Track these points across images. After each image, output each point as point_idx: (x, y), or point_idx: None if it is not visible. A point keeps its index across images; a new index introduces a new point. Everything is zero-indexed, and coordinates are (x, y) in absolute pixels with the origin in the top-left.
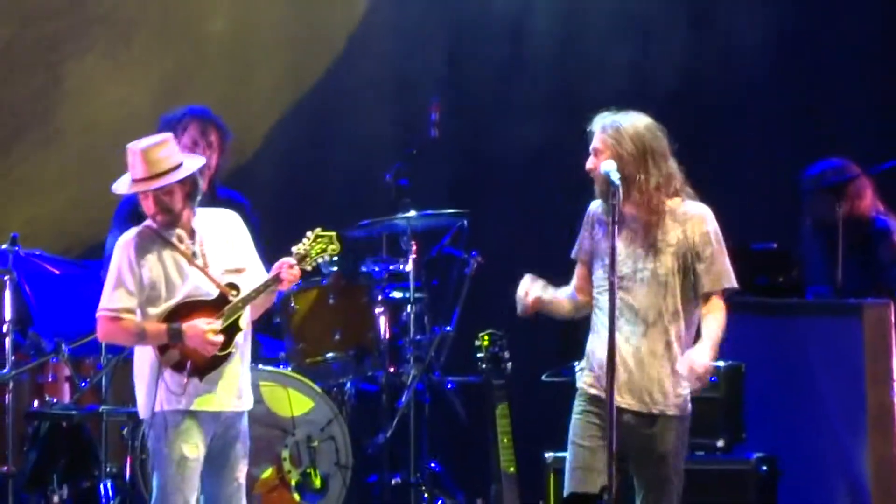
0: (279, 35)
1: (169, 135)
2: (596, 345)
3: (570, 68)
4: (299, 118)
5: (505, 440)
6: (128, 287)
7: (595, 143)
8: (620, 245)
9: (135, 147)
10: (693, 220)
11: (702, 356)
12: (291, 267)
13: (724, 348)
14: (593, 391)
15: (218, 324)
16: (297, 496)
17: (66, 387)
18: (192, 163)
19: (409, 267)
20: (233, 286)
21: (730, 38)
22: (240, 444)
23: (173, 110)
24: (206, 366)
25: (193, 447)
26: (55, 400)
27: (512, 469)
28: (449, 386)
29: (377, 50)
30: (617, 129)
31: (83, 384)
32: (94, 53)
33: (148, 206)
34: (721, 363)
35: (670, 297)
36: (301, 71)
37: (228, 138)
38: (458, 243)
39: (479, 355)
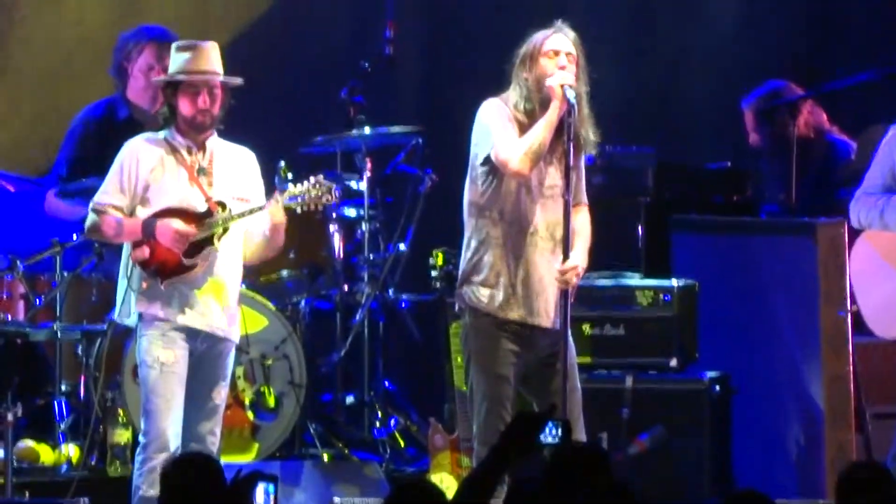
0: None
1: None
2: (507, 264)
3: None
4: (255, 36)
5: (459, 359)
6: (122, 185)
7: (566, 46)
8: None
9: (196, 42)
10: (589, 143)
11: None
12: (277, 202)
13: (678, 266)
14: (514, 315)
15: (192, 230)
16: (250, 414)
17: (21, 304)
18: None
19: (364, 185)
20: (222, 204)
21: None
22: (219, 367)
23: (131, 29)
24: (170, 270)
25: (169, 352)
26: (9, 317)
27: (465, 387)
28: (403, 304)
29: None
30: (578, 41)
31: (38, 301)
32: None
33: (195, 101)
34: (675, 282)
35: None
36: None
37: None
38: (413, 161)
39: (432, 273)
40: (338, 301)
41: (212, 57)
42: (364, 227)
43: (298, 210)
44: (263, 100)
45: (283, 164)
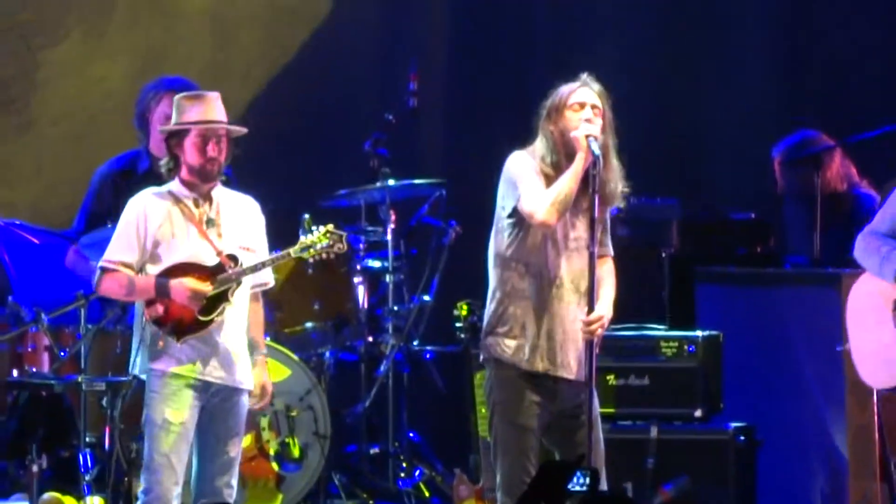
0: (257, 7)
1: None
2: (532, 315)
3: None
4: (278, 90)
5: (483, 409)
6: (130, 241)
7: (592, 99)
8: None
9: (201, 92)
10: (616, 196)
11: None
12: (290, 255)
13: (702, 317)
14: (538, 367)
15: (207, 287)
16: (275, 465)
17: (46, 356)
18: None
19: (388, 236)
20: (233, 258)
21: (714, 4)
22: (232, 420)
23: (152, 80)
24: (186, 327)
25: (176, 412)
26: (34, 369)
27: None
28: (427, 356)
29: (357, 18)
30: (604, 93)
31: (62, 354)
32: (69, 36)
33: (204, 150)
34: (700, 333)
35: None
36: (280, 42)
37: None
38: (437, 212)
39: (457, 324)
40: (362, 352)
41: (217, 106)
42: (388, 278)
43: (310, 260)
44: (287, 152)
45: (307, 216)
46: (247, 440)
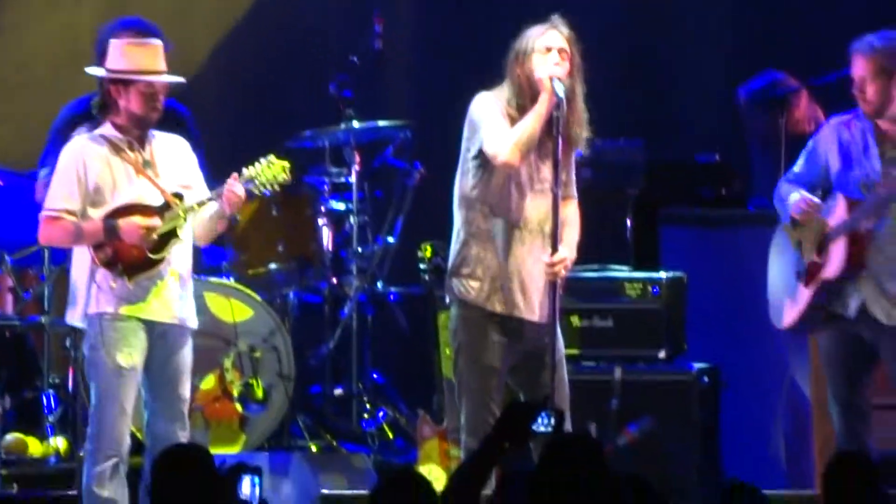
0: None
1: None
2: (495, 257)
3: None
4: (242, 35)
5: (447, 350)
6: (71, 189)
7: (560, 42)
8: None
9: (147, 40)
10: (581, 139)
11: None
12: (233, 187)
13: (666, 259)
14: (500, 308)
15: (157, 222)
16: (239, 406)
17: (9, 298)
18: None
19: (353, 178)
20: (178, 196)
21: None
22: (180, 360)
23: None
24: (137, 266)
25: (127, 356)
26: None
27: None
28: (391, 297)
29: None
30: (573, 37)
31: (26, 295)
32: None
33: (151, 100)
34: (663, 274)
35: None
36: None
37: (169, 48)
38: (402, 154)
39: (421, 266)
40: (326, 294)
41: (162, 55)
42: (353, 220)
43: (255, 192)
44: (251, 95)
45: (270, 156)
46: (210, 381)
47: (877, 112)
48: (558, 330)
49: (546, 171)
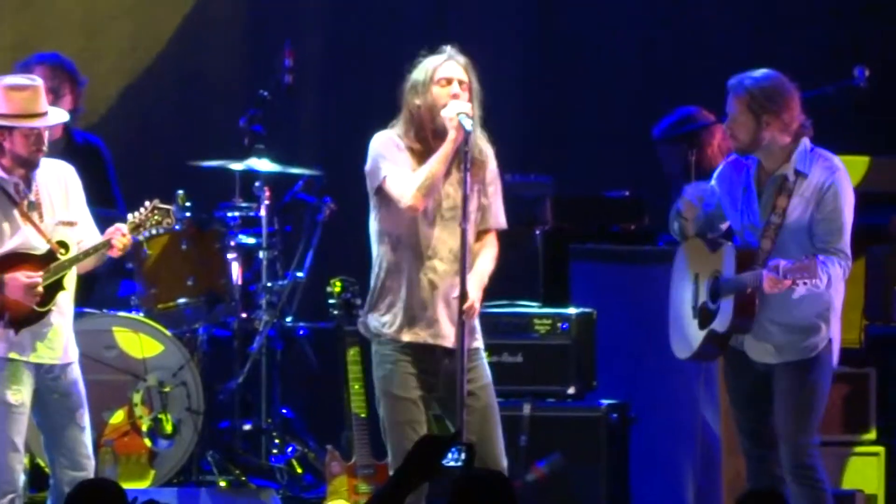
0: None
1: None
2: (406, 288)
3: (437, 11)
4: (157, 67)
5: (356, 386)
6: None
7: (458, 73)
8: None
9: (29, 83)
10: (491, 155)
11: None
12: (124, 235)
13: (576, 294)
14: (414, 339)
15: (39, 278)
16: (147, 441)
17: None
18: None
19: (262, 213)
20: (63, 244)
21: None
22: (74, 394)
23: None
24: (22, 318)
25: (17, 393)
26: None
27: (363, 414)
28: (301, 332)
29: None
30: (469, 65)
31: None
32: None
33: (36, 141)
34: (573, 310)
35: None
36: (152, 31)
37: (82, 84)
38: (312, 189)
39: (330, 301)
40: (236, 328)
41: (43, 96)
42: (262, 255)
43: (140, 238)
44: (163, 130)
45: (181, 192)
46: (119, 416)
47: (744, 150)
48: (483, 358)
49: (455, 197)
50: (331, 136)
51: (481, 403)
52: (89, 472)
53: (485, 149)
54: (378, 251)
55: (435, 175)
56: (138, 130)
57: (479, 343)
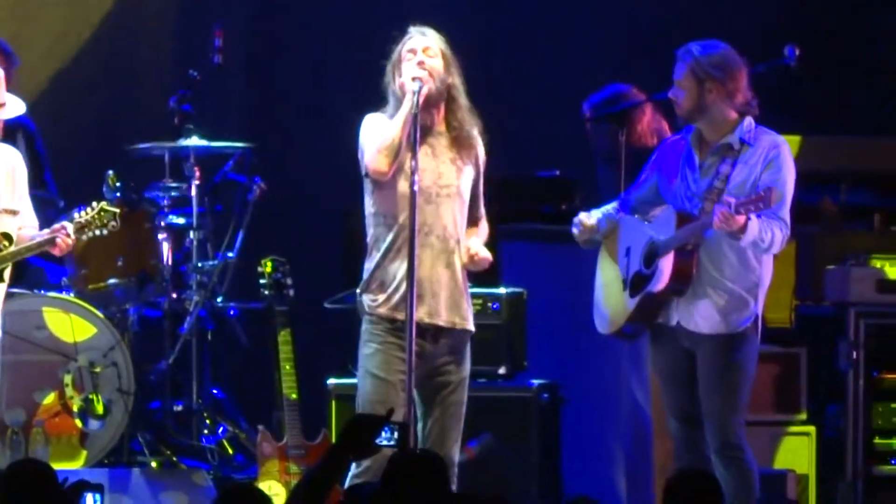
0: None
1: None
2: (401, 266)
3: None
4: (88, 48)
5: (287, 367)
6: None
7: (423, 42)
8: (424, 160)
9: None
10: (480, 143)
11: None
12: (69, 235)
13: (506, 275)
14: (402, 316)
15: None
16: (78, 422)
17: None
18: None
19: (193, 192)
20: (6, 236)
21: None
22: None
23: None
24: None
25: None
26: None
27: (294, 395)
28: (232, 312)
29: None
30: (439, 36)
31: None
32: None
33: None
34: (503, 290)
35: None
36: (84, 15)
37: (15, 65)
38: (242, 169)
39: (261, 281)
40: (166, 309)
41: (3, 86)
42: (193, 235)
43: (84, 238)
44: (94, 110)
45: (111, 173)
46: (50, 397)
47: (687, 117)
48: (468, 347)
49: (451, 176)
50: (260, 114)
51: (454, 399)
52: None
53: (473, 133)
54: (372, 233)
55: (393, 136)
56: (70, 113)
57: (469, 325)
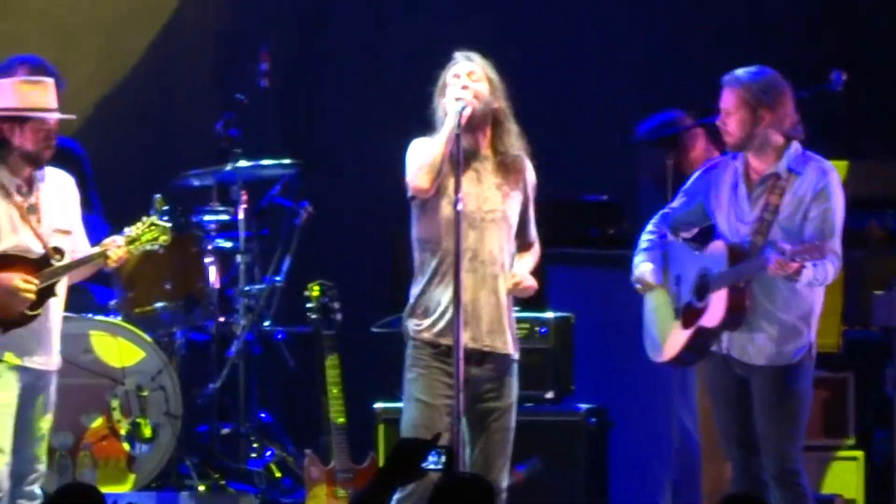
0: (99, 10)
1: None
2: (446, 291)
3: (420, 20)
4: (135, 73)
5: (334, 391)
6: None
7: (468, 67)
8: (468, 184)
9: (40, 77)
10: (529, 166)
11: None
12: (120, 247)
13: (554, 299)
14: (446, 342)
15: (34, 283)
16: (126, 445)
17: None
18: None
19: (240, 217)
20: (58, 250)
21: None
22: (43, 399)
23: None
24: (11, 320)
25: (6, 394)
26: None
27: (341, 419)
28: (279, 336)
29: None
30: (482, 60)
31: None
32: None
33: (41, 138)
34: (551, 314)
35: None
36: (126, 45)
37: (62, 87)
38: (289, 193)
39: (308, 305)
40: (214, 332)
41: (54, 93)
42: (240, 258)
43: (135, 252)
44: (140, 135)
45: (158, 196)
46: (98, 420)
47: (738, 146)
48: (515, 373)
49: (496, 201)
50: (307, 139)
51: (500, 425)
52: (38, 470)
53: (520, 156)
54: (419, 258)
55: (433, 154)
56: (115, 139)
57: (511, 350)
